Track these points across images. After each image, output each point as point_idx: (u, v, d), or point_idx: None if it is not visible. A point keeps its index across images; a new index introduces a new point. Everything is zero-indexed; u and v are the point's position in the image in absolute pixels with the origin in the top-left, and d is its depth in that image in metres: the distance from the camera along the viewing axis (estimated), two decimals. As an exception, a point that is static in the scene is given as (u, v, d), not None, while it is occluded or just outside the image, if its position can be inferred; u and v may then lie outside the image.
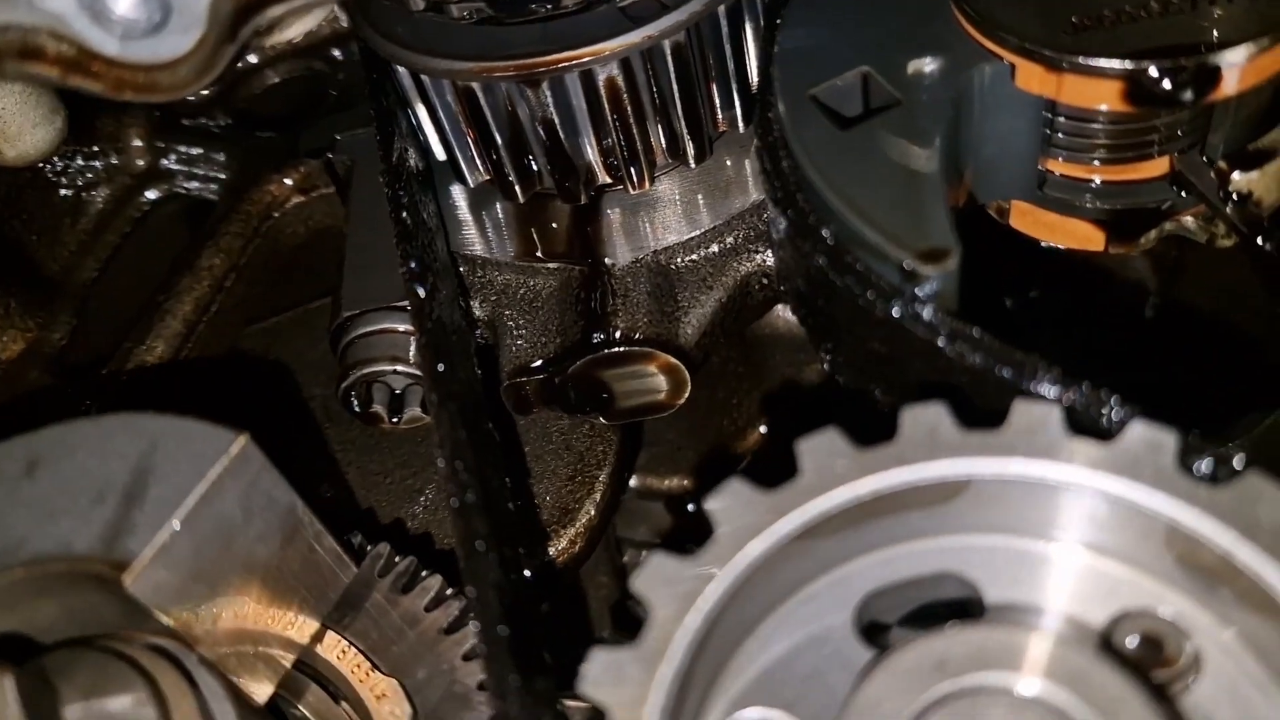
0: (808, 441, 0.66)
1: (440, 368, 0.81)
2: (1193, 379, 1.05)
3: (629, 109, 0.96)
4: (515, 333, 1.02)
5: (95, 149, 1.27)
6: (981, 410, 0.66)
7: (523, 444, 1.04)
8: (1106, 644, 0.65)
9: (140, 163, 1.29)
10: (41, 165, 1.23)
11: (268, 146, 1.27)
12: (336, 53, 1.32)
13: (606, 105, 0.96)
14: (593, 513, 1.03)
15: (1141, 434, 0.64)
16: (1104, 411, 0.68)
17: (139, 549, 0.71)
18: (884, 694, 0.60)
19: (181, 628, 0.74)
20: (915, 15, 0.88)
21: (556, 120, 0.97)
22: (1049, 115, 0.85)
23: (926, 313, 0.74)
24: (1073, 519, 0.66)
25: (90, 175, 1.27)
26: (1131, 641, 0.64)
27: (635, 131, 0.98)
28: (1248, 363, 1.05)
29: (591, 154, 1.00)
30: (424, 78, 0.98)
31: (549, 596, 0.97)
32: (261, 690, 0.82)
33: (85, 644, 0.74)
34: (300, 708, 0.85)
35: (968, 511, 0.67)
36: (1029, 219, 0.93)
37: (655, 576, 0.63)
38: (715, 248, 1.02)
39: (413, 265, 0.87)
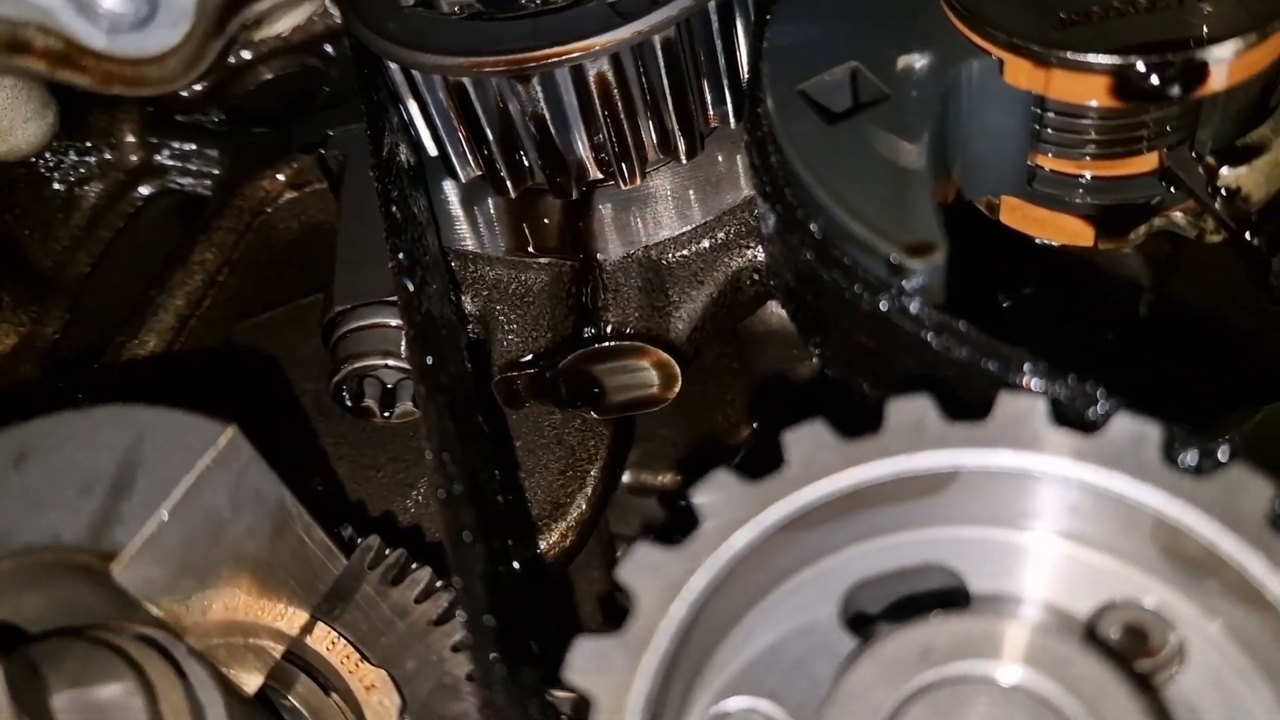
0: (794, 433, 0.66)
1: (429, 360, 0.81)
2: (1183, 375, 1.06)
3: (620, 104, 0.97)
4: (506, 327, 1.03)
5: (88, 144, 1.27)
6: (968, 403, 0.67)
7: (514, 438, 1.05)
8: (1091, 634, 0.65)
9: (133, 158, 1.29)
10: (34, 160, 1.23)
11: (261, 142, 1.27)
12: (329, 49, 1.32)
13: (597, 101, 0.96)
14: (584, 507, 1.03)
15: (1126, 426, 0.64)
16: (1090, 405, 0.68)
17: (127, 540, 0.71)
18: (868, 683, 0.60)
19: (170, 618, 0.75)
20: (904, 11, 0.88)
21: (547, 115, 0.97)
22: (1038, 111, 0.86)
23: (913, 306, 0.74)
24: (1058, 510, 0.66)
25: (83, 170, 1.27)
26: (1116, 632, 0.64)
27: (626, 127, 0.98)
28: (1237, 359, 1.05)
29: (583, 149, 1.00)
30: (415, 73, 0.98)
31: (539, 590, 0.97)
32: (251, 681, 0.82)
33: (73, 634, 0.74)
34: (290, 698, 0.85)
35: (953, 503, 0.67)
36: (1019, 214, 0.93)
37: (640, 566, 0.64)
38: (706, 243, 1.02)
39: (401, 259, 0.87)
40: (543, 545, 1.01)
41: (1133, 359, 1.08)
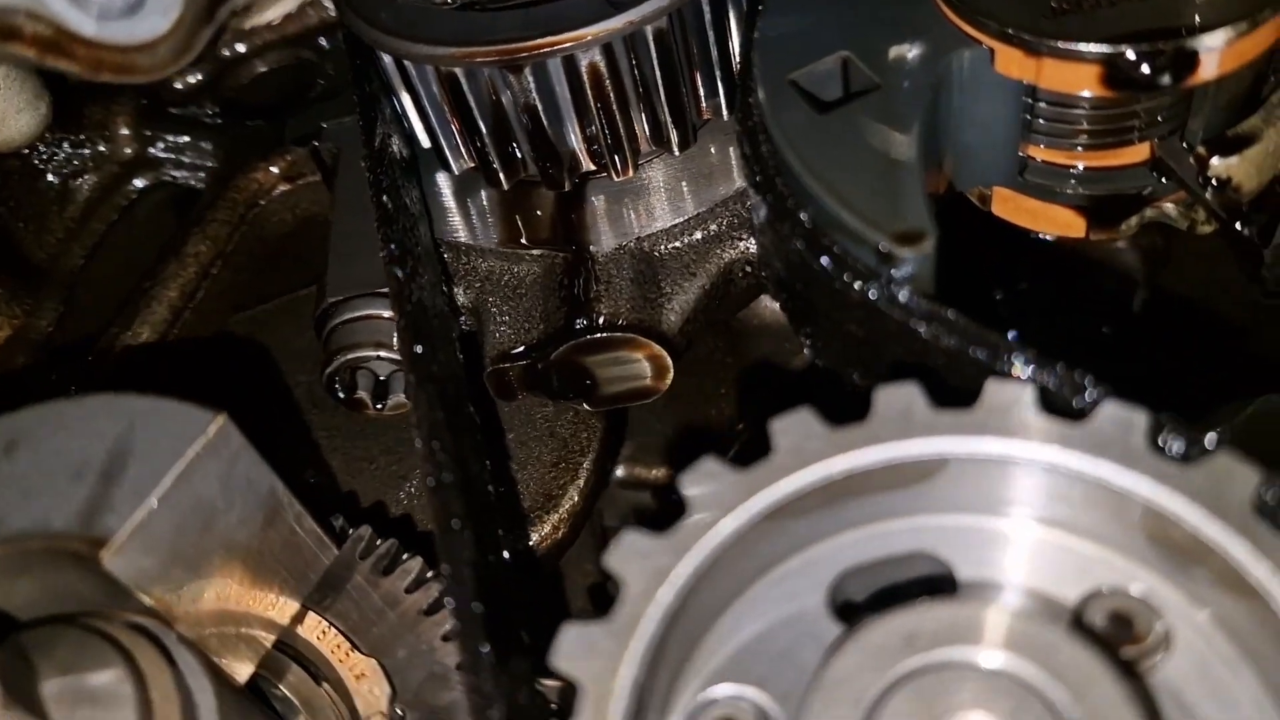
0: (781, 421, 0.66)
1: (419, 349, 0.81)
2: (1176, 368, 1.05)
3: (612, 95, 0.97)
4: (499, 319, 1.03)
5: (83, 137, 1.28)
6: (958, 392, 0.67)
7: (507, 430, 1.05)
8: (1078, 621, 0.65)
9: (128, 151, 1.29)
10: (28, 152, 1.23)
11: (255, 135, 1.27)
12: (324, 42, 1.32)
13: (589, 91, 0.96)
14: (576, 499, 1.03)
15: (1113, 413, 0.64)
16: (1078, 393, 0.68)
17: (117, 527, 0.71)
18: (853, 669, 0.60)
19: (161, 607, 0.75)
20: (896, 1, 0.88)
21: (540, 106, 0.97)
22: (1029, 100, 0.86)
23: (902, 295, 0.74)
24: (1045, 498, 0.66)
25: (78, 163, 1.28)
26: (1102, 619, 0.64)
27: (619, 118, 0.99)
28: (1230, 351, 1.05)
29: (575, 141, 1.00)
30: (408, 64, 0.98)
31: (531, 581, 0.97)
32: (242, 670, 0.82)
33: (64, 621, 0.74)
34: (281, 688, 0.85)
35: (940, 491, 0.67)
36: (1010, 205, 0.93)
37: (628, 553, 0.64)
38: (699, 235, 1.03)
39: (393, 248, 0.87)
40: (535, 537, 1.01)
41: (1125, 352, 1.08)
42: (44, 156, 1.26)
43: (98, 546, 0.71)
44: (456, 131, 1.02)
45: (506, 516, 0.96)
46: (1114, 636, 0.64)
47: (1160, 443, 0.64)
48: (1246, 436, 0.91)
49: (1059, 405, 0.67)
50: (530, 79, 0.95)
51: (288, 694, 0.85)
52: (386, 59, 1.00)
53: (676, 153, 1.04)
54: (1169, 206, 0.90)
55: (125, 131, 1.28)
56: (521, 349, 1.01)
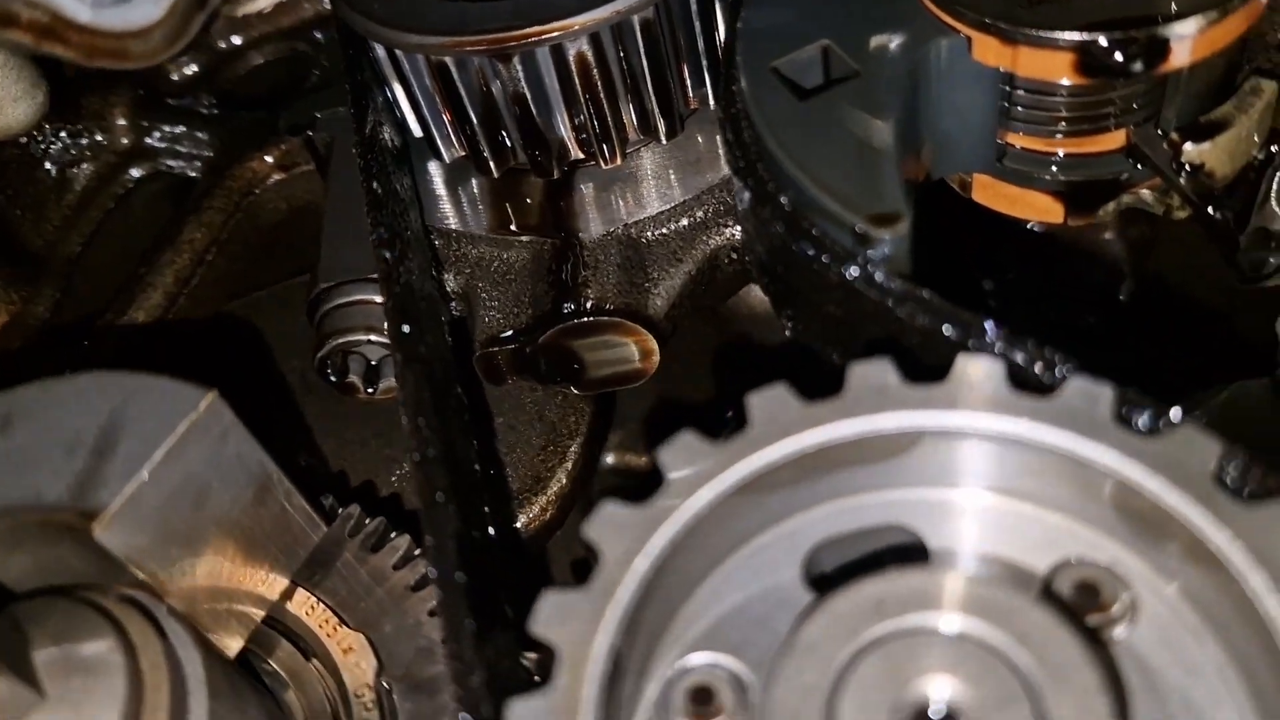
0: (757, 395, 0.68)
1: (406, 329, 0.83)
2: (1154, 354, 1.07)
3: (600, 85, 0.98)
4: (488, 304, 1.04)
5: (80, 126, 1.29)
6: (933, 370, 0.68)
7: (497, 414, 1.06)
8: (1047, 591, 0.66)
9: (125, 141, 1.31)
10: (26, 141, 1.25)
11: (250, 125, 1.29)
12: (319, 35, 1.34)
13: (577, 81, 0.98)
14: (564, 481, 1.05)
15: (1080, 387, 0.65)
16: (1048, 369, 0.70)
17: (109, 500, 0.73)
18: (822, 634, 0.62)
19: (152, 580, 0.76)
20: (877, -9, 0.90)
21: (529, 95, 0.99)
22: (1006, 88, 0.87)
23: (879, 275, 0.75)
24: (1014, 471, 0.68)
25: (75, 152, 1.29)
26: (1069, 588, 0.66)
27: (607, 107, 1.00)
28: (1208, 337, 1.07)
29: (564, 130, 1.02)
30: (399, 54, 1.00)
31: (517, 560, 0.99)
32: (232, 644, 0.84)
33: (57, 593, 0.75)
34: (271, 663, 0.87)
35: (912, 464, 0.69)
36: (990, 192, 0.95)
37: (606, 523, 0.65)
38: (685, 222, 1.04)
39: (382, 231, 0.89)
40: (523, 518, 1.02)
41: (1105, 338, 1.09)
42: (42, 145, 1.27)
43: (89, 519, 0.72)
44: (447, 120, 1.04)
45: (494, 496, 0.98)
46: (1080, 605, 0.65)
47: (1125, 416, 0.65)
48: (1221, 422, 0.93)
49: (1029, 380, 0.68)
50: (519, 68, 0.97)
51: (277, 668, 0.87)
52: (379, 49, 1.01)
53: (664, 141, 1.05)
54: (1145, 192, 0.92)
55: (122, 121, 1.30)
56: (510, 333, 1.02)
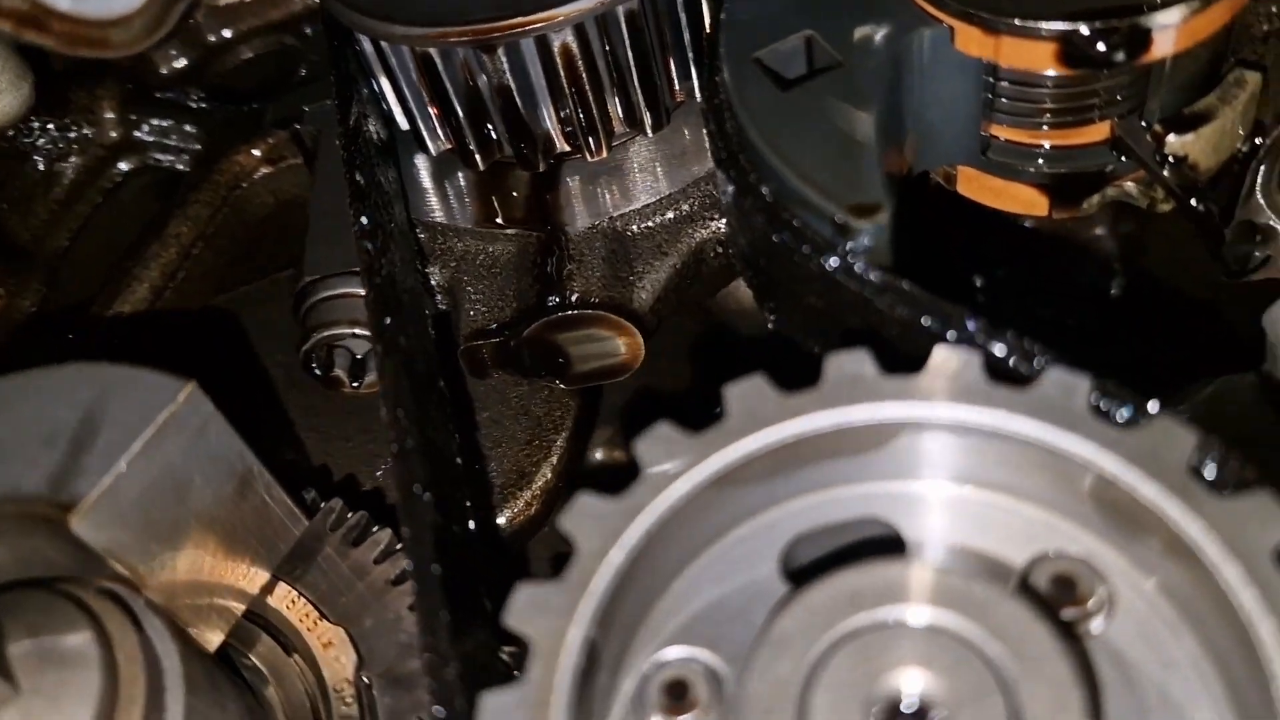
0: (734, 386, 0.68)
1: (386, 320, 0.83)
2: (1141, 349, 1.07)
3: (585, 77, 0.98)
4: (473, 298, 1.04)
5: (68, 120, 1.29)
6: (912, 360, 0.68)
7: (482, 408, 1.06)
8: (1024, 584, 0.66)
9: (113, 134, 1.30)
10: (13, 134, 1.25)
11: (238, 118, 1.29)
12: (308, 29, 1.33)
13: (562, 73, 0.97)
14: (549, 475, 1.04)
15: (1056, 379, 0.65)
16: (1027, 360, 0.70)
17: (86, 491, 0.73)
18: (797, 627, 0.61)
19: (130, 573, 0.76)
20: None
21: (514, 87, 0.98)
22: (990, 79, 0.87)
23: (859, 266, 0.75)
24: (991, 462, 0.67)
25: (63, 146, 1.29)
26: (1045, 582, 0.65)
27: (592, 100, 1.00)
28: (1195, 332, 1.06)
29: (549, 122, 1.02)
30: (385, 47, 1.00)
31: (499, 554, 0.98)
32: (213, 639, 0.83)
33: (34, 585, 0.75)
34: (251, 657, 0.86)
35: (890, 457, 0.68)
36: (975, 184, 0.94)
37: (581, 515, 0.65)
38: (671, 215, 1.04)
39: (364, 223, 0.89)
40: (508, 513, 1.02)
41: (1091, 333, 1.09)
42: (29, 139, 1.27)
43: (66, 511, 0.72)
44: (433, 113, 1.03)
45: (476, 490, 0.97)
46: (1056, 598, 0.65)
47: (1102, 407, 0.65)
48: (1207, 416, 0.93)
49: (1008, 372, 0.68)
50: (504, 59, 0.96)
51: (257, 663, 0.86)
52: (365, 43, 1.01)
53: (650, 134, 1.05)
54: (1129, 185, 0.91)
55: (110, 115, 1.30)
56: (495, 327, 1.02)
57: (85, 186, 1.30)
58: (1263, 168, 0.90)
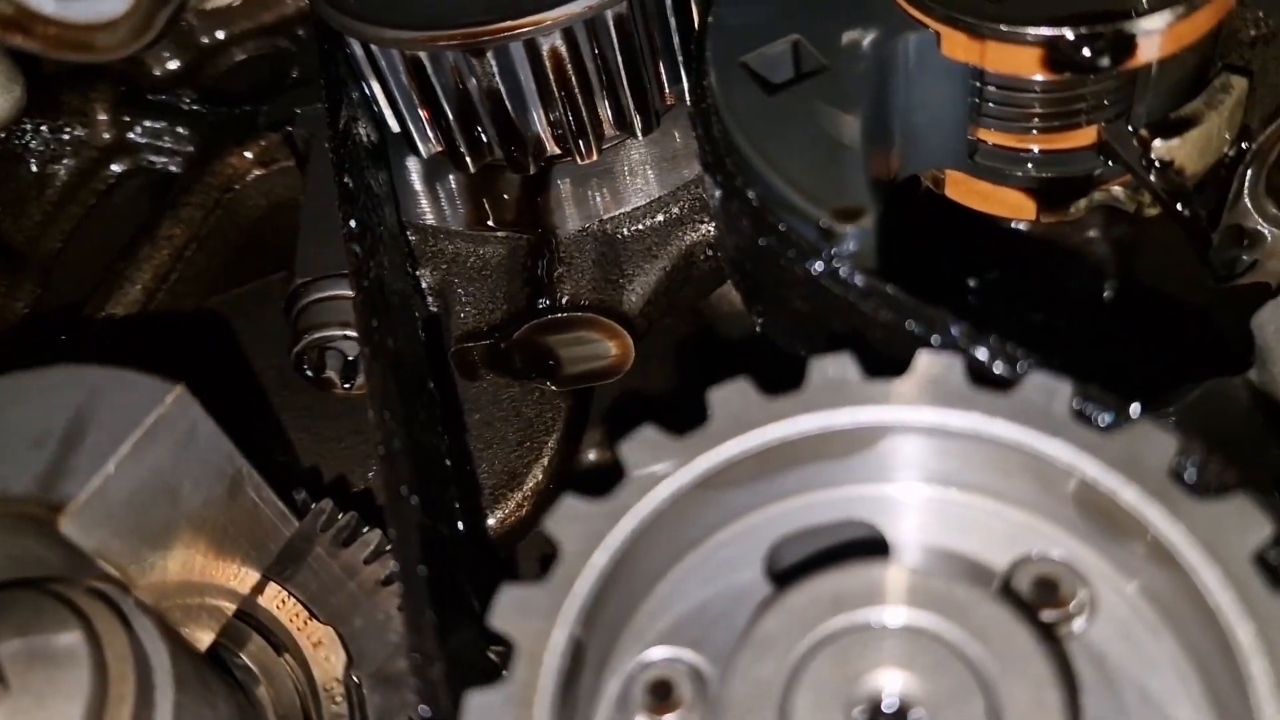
0: (718, 390, 0.68)
1: (374, 323, 0.83)
2: (1129, 353, 1.07)
3: (574, 80, 0.99)
4: (464, 300, 1.05)
5: (61, 122, 1.29)
6: (896, 364, 0.68)
7: (474, 410, 1.07)
8: (1006, 586, 0.66)
9: (106, 136, 1.31)
10: (5, 136, 1.25)
11: (231, 121, 1.29)
12: (300, 32, 1.34)
13: (552, 76, 0.98)
14: (540, 477, 1.05)
15: (1038, 383, 0.65)
16: (1010, 364, 0.70)
17: (75, 492, 0.73)
18: (779, 628, 0.62)
19: (120, 573, 0.76)
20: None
21: (504, 91, 0.99)
22: (977, 84, 0.87)
23: (843, 270, 0.75)
24: (974, 466, 0.68)
25: (56, 148, 1.29)
26: (1027, 584, 0.66)
27: (582, 103, 1.01)
28: (1183, 335, 1.07)
29: (539, 125, 1.02)
30: (375, 50, 1.00)
31: (488, 556, 0.99)
32: (203, 638, 0.84)
33: (23, 586, 0.75)
34: (242, 656, 0.87)
35: (873, 460, 0.69)
36: (963, 188, 0.95)
37: (565, 517, 0.65)
38: (661, 218, 1.05)
39: (352, 225, 0.89)
40: (499, 514, 1.02)
41: (1081, 338, 1.09)
42: (22, 141, 1.28)
43: (56, 511, 0.73)
44: (424, 116, 1.04)
45: (467, 492, 0.98)
46: (1037, 600, 0.65)
47: (1083, 412, 0.65)
48: (1195, 420, 0.93)
49: (990, 377, 0.68)
50: (493, 63, 0.97)
51: (248, 663, 0.87)
52: (356, 46, 1.02)
53: (640, 137, 1.06)
54: (1117, 189, 0.92)
55: (103, 117, 1.30)
56: (485, 329, 1.02)
57: (78, 188, 1.30)
58: (1249, 172, 0.91)
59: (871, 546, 0.70)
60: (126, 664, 0.73)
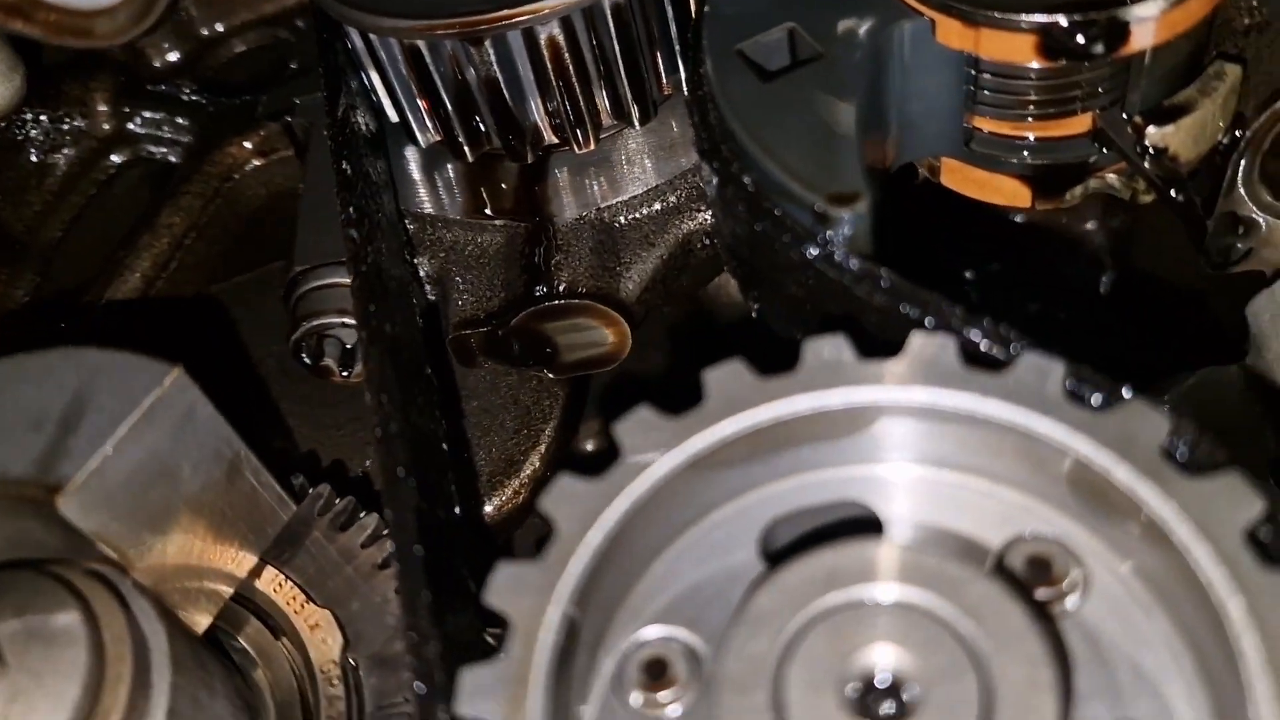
0: (713, 371, 0.68)
1: (371, 308, 0.84)
2: (1127, 341, 1.07)
3: (572, 69, 0.99)
4: (462, 288, 1.05)
5: (61, 112, 1.30)
6: (891, 347, 0.69)
7: (472, 398, 1.07)
8: (1000, 565, 0.67)
9: (106, 126, 1.31)
10: (6, 126, 1.26)
11: (231, 111, 1.30)
12: (300, 22, 1.34)
13: (550, 65, 0.98)
14: (537, 464, 1.05)
15: (1031, 363, 0.66)
16: (1004, 346, 0.71)
17: (73, 473, 0.73)
18: (773, 605, 0.62)
19: (119, 555, 0.77)
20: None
21: (502, 80, 0.99)
22: (972, 71, 0.88)
23: (838, 255, 0.76)
24: (968, 446, 0.68)
25: (56, 138, 1.30)
26: (1021, 562, 0.66)
27: (579, 92, 1.01)
28: (1179, 323, 1.07)
29: (537, 114, 1.03)
30: (374, 39, 1.01)
31: (486, 541, 0.99)
32: (201, 621, 0.84)
33: (22, 566, 0.76)
34: (240, 639, 0.87)
35: (867, 440, 0.69)
36: (958, 176, 0.95)
37: (561, 496, 0.66)
38: (658, 206, 1.05)
39: (350, 211, 0.90)
40: (496, 500, 1.03)
41: (1078, 325, 1.09)
42: (22, 130, 1.28)
43: (54, 493, 0.73)
44: (422, 105, 1.04)
45: (465, 478, 0.98)
46: (1031, 579, 0.65)
47: (1076, 391, 0.66)
48: (1190, 407, 0.94)
49: (983, 358, 0.69)
50: (491, 52, 0.97)
51: (245, 645, 0.87)
52: (354, 36, 1.02)
53: (637, 126, 1.06)
54: (1112, 176, 0.92)
55: (104, 107, 1.30)
56: (483, 316, 1.03)
57: (78, 178, 1.31)
58: (1244, 160, 0.91)
59: (866, 527, 0.71)
60: (124, 645, 0.73)
